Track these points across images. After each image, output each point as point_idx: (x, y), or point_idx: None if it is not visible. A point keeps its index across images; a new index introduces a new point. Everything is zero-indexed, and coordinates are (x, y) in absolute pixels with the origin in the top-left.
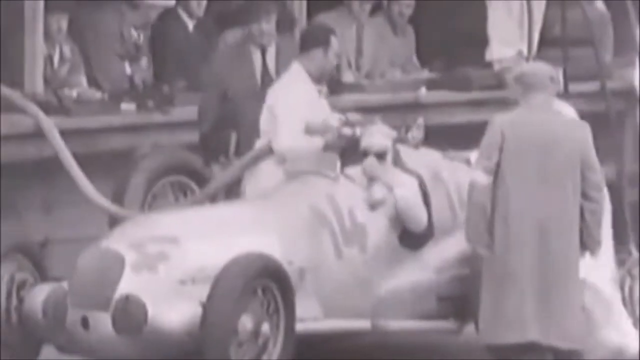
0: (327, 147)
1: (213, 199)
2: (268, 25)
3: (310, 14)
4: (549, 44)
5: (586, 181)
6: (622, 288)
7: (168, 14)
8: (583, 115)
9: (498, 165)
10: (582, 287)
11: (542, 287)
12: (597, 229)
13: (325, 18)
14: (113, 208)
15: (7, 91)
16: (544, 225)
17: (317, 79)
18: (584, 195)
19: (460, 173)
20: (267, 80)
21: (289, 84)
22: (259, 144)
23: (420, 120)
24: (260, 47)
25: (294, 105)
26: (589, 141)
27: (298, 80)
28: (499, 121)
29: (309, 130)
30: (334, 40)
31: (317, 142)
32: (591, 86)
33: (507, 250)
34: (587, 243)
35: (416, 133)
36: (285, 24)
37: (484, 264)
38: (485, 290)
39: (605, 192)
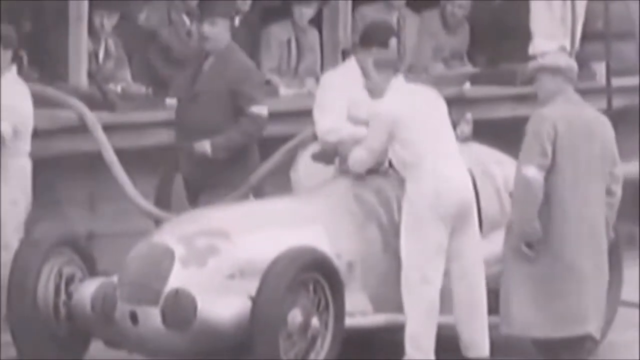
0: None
1: (258, 189)
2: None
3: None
4: (591, 37)
5: (611, 176)
6: None
7: None
8: (626, 110)
9: (552, 160)
10: None
11: (594, 282)
12: (612, 224)
13: (367, 10)
14: (153, 210)
15: (50, 90)
16: (592, 220)
17: (364, 74)
18: (607, 190)
19: (507, 165)
20: None
21: (337, 74)
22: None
23: (469, 115)
24: None
25: (338, 92)
26: (613, 135)
27: (348, 72)
28: (550, 116)
29: (352, 119)
30: (393, 42)
31: (361, 129)
32: (634, 80)
33: (565, 245)
34: None
35: (465, 128)
36: None
37: (526, 260)
38: (525, 285)
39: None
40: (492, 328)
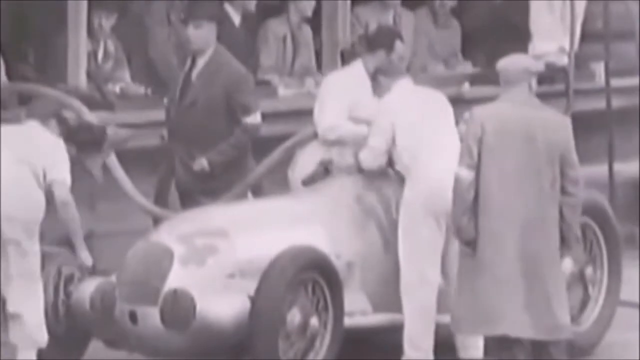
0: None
1: (256, 188)
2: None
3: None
4: (591, 37)
5: (565, 177)
6: None
7: None
8: (626, 110)
9: (479, 158)
10: (564, 280)
11: (525, 282)
12: (576, 224)
13: (363, 10)
14: (153, 208)
15: (50, 90)
16: (525, 220)
17: (372, 76)
18: (563, 191)
19: None
20: None
21: (340, 75)
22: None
23: (467, 115)
24: None
25: (340, 93)
26: (569, 136)
27: (351, 74)
28: (479, 114)
29: (354, 120)
30: (398, 45)
31: (362, 128)
32: (633, 80)
33: (487, 244)
34: (567, 238)
35: (463, 128)
36: None
37: (461, 256)
38: (462, 281)
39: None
40: None
